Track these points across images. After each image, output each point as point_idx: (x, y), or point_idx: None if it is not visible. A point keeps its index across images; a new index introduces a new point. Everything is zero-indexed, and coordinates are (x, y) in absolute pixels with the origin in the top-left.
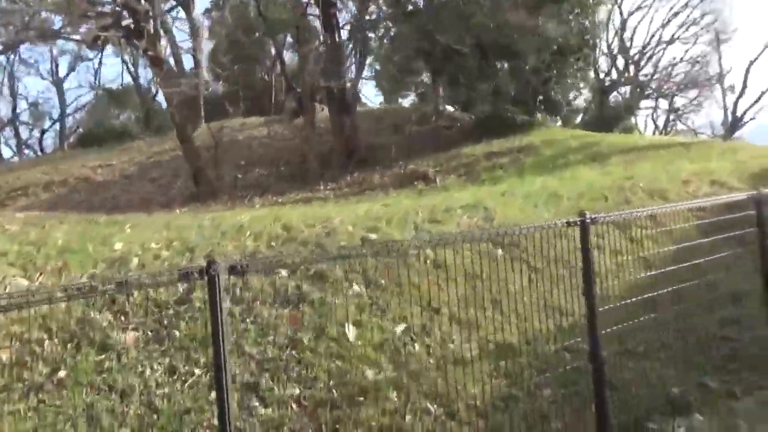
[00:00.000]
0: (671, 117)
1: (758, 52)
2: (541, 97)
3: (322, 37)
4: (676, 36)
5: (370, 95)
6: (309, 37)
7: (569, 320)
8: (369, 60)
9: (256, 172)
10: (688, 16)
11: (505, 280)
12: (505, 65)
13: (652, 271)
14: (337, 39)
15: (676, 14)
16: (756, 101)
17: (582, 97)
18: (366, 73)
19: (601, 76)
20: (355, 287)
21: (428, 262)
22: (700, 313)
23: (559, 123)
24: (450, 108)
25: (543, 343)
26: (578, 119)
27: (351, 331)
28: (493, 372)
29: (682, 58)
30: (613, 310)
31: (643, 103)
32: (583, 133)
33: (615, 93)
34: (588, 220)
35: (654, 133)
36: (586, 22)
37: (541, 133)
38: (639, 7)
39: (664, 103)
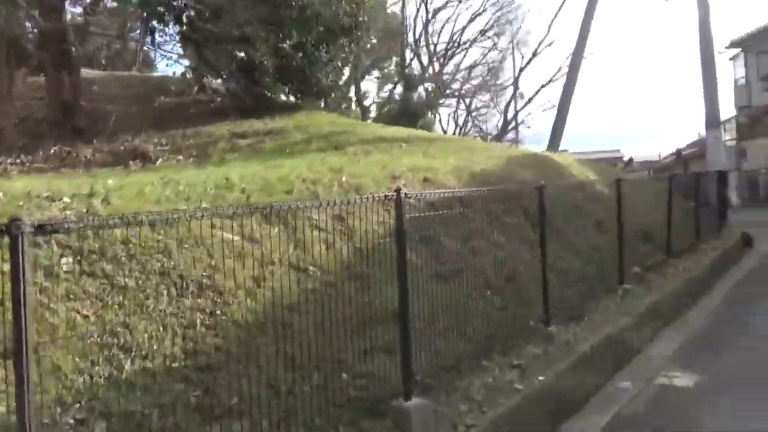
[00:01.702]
0: (467, 118)
1: (528, 59)
2: (309, 79)
3: None
4: (475, 40)
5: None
6: None
7: None
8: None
9: None
10: (487, 22)
11: None
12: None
13: None
14: None
15: (472, 20)
16: (523, 106)
17: (385, 90)
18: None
19: (407, 70)
20: None
21: None
22: None
23: (349, 108)
24: (218, 82)
25: None
26: (382, 111)
27: None
28: None
29: (478, 62)
30: None
31: (449, 102)
32: (345, 120)
33: (422, 89)
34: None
35: (455, 132)
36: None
37: (302, 117)
38: (445, 6)
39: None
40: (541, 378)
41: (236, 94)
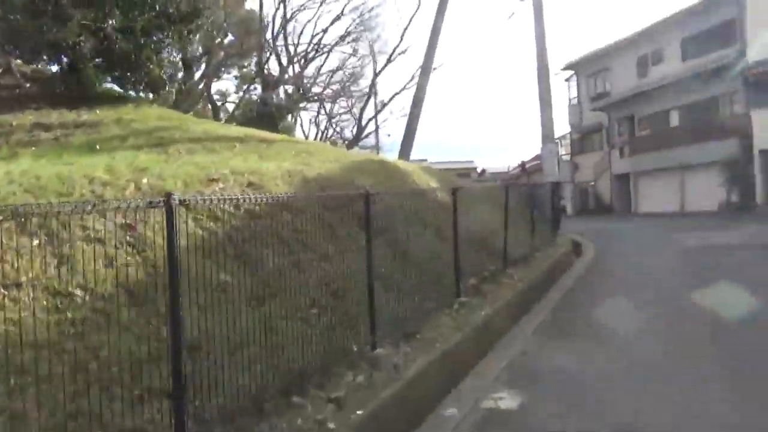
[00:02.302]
0: (328, 123)
1: (382, 65)
2: (139, 68)
3: None
4: (336, 44)
5: None
6: None
7: None
8: None
9: None
10: (347, 28)
11: None
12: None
13: None
14: None
15: (332, 23)
16: (378, 112)
17: (237, 91)
18: None
19: (266, 70)
20: None
21: None
22: None
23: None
24: (32, 66)
25: None
26: (237, 112)
27: None
28: None
29: (338, 67)
30: None
31: (310, 106)
32: (178, 116)
33: (281, 91)
34: None
35: (316, 137)
36: None
37: (128, 110)
38: (303, 8)
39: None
40: (359, 413)
41: (50, 80)
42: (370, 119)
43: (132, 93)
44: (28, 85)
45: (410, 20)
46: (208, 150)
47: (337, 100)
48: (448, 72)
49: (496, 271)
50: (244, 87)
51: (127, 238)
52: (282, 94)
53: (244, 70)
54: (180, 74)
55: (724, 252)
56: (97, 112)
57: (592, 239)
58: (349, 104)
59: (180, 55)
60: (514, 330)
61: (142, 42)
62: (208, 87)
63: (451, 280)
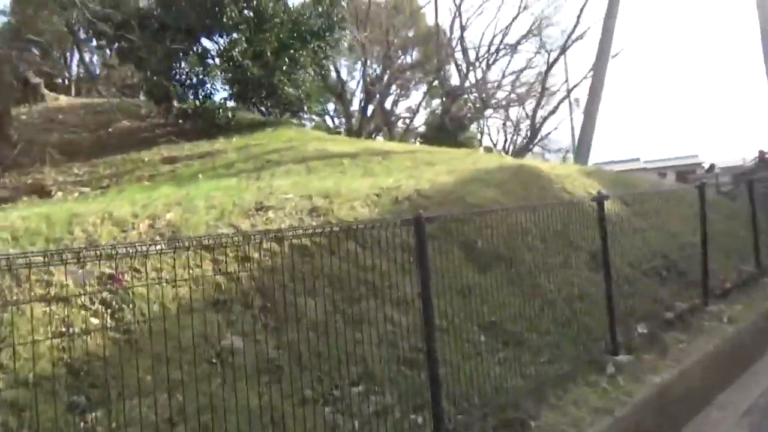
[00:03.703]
0: (514, 129)
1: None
2: (275, 92)
3: None
4: (516, 43)
5: None
6: None
7: None
8: None
9: None
10: (531, 26)
11: None
12: (204, 43)
13: None
14: None
15: (512, 22)
16: (552, 112)
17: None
18: None
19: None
20: None
21: None
22: None
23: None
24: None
25: None
26: (410, 126)
27: None
28: None
29: (523, 68)
30: None
31: (493, 114)
32: (310, 136)
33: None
34: None
35: (504, 146)
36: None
37: (264, 135)
38: (483, 10)
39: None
40: None
41: (179, 112)
42: (544, 119)
43: (267, 116)
44: (181, 122)
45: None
46: (308, 170)
47: (525, 104)
48: (659, 59)
49: (690, 308)
50: (432, 102)
51: (105, 294)
52: (467, 104)
53: (433, 84)
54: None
55: None
56: (221, 140)
57: None
58: (537, 106)
59: (316, 71)
60: (711, 413)
61: (273, 65)
62: (382, 106)
63: (603, 327)
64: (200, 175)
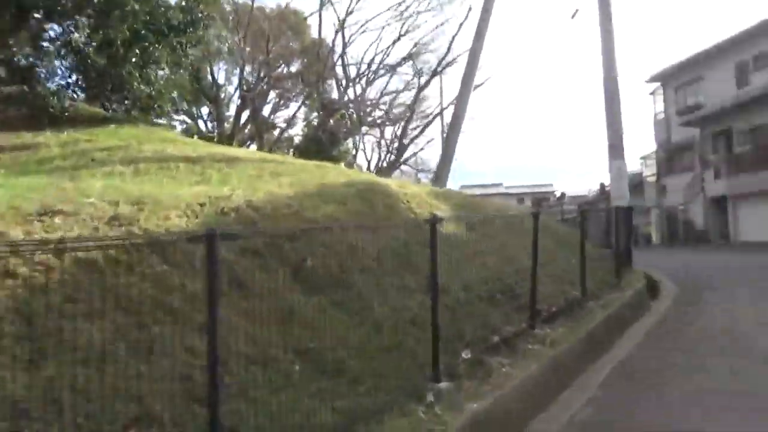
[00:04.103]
0: (387, 148)
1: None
2: (122, 86)
3: None
4: (396, 64)
5: None
6: None
7: None
8: None
9: None
10: (410, 49)
11: None
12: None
13: None
14: None
15: (394, 43)
16: (419, 134)
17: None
18: None
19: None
20: None
21: None
22: None
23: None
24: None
25: None
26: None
27: None
28: None
29: (401, 90)
30: None
31: (371, 131)
32: (165, 135)
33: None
34: None
35: (378, 163)
36: None
37: (103, 131)
38: (366, 29)
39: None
40: None
41: (10, 98)
42: (412, 140)
43: (118, 114)
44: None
45: (459, 27)
46: (135, 173)
47: (399, 124)
48: (525, 91)
49: (517, 332)
50: (311, 114)
51: None
52: (344, 119)
53: (313, 96)
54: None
55: None
56: (48, 132)
57: (676, 278)
58: (406, 126)
59: (172, 70)
60: None
61: (123, 57)
62: (257, 113)
63: (427, 354)
64: (1, 170)
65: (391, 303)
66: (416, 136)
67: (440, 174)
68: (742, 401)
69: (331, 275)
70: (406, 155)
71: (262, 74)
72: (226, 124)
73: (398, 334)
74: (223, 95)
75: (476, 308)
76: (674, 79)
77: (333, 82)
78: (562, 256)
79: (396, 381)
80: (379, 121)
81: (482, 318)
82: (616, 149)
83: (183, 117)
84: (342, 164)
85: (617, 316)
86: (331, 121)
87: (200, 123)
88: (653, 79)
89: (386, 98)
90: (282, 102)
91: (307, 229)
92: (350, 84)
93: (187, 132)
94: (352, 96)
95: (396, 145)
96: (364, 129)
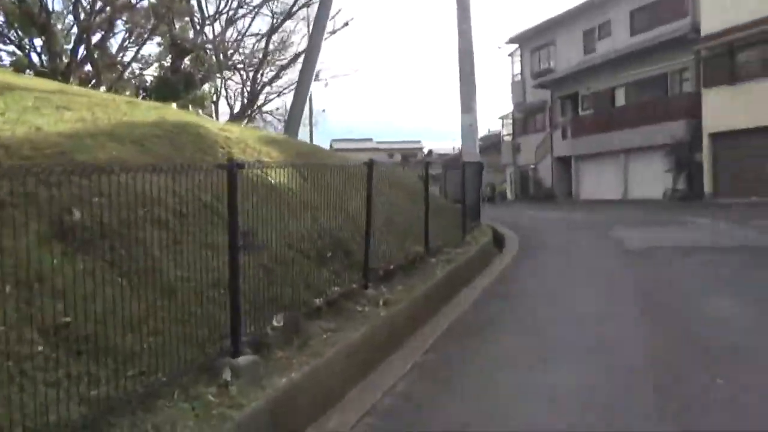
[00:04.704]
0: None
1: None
2: None
3: None
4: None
5: None
6: None
7: None
8: None
9: None
10: None
11: None
12: None
13: None
14: None
15: None
16: (272, 79)
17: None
18: None
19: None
20: None
21: None
22: None
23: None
24: None
25: None
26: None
27: None
28: None
29: (266, 33)
30: None
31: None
32: None
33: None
34: None
35: (242, 111)
36: None
37: None
38: None
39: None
40: None
41: None
42: (264, 85)
43: None
44: None
45: None
46: None
47: (262, 70)
48: (394, 49)
49: (346, 292)
50: (166, 55)
51: None
52: (203, 63)
53: (169, 35)
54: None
55: (679, 260)
56: None
57: (520, 232)
58: (257, 71)
59: None
60: (331, 419)
61: None
62: (98, 48)
63: (216, 324)
64: None
65: (192, 264)
66: (270, 81)
67: (292, 119)
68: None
69: (109, 231)
70: (270, 104)
71: (104, 2)
72: (63, 59)
73: (196, 301)
74: (61, 26)
75: (302, 267)
76: (531, 42)
77: (188, 19)
78: (414, 213)
79: (185, 358)
80: (240, 66)
81: (307, 278)
82: (467, 106)
83: (12, 48)
84: (173, 105)
85: (461, 269)
86: (186, 61)
87: (34, 58)
88: (512, 41)
89: (250, 41)
90: (132, 38)
91: (67, 170)
92: (207, 22)
93: (16, 65)
94: (210, 36)
95: (251, 90)
96: (226, 74)
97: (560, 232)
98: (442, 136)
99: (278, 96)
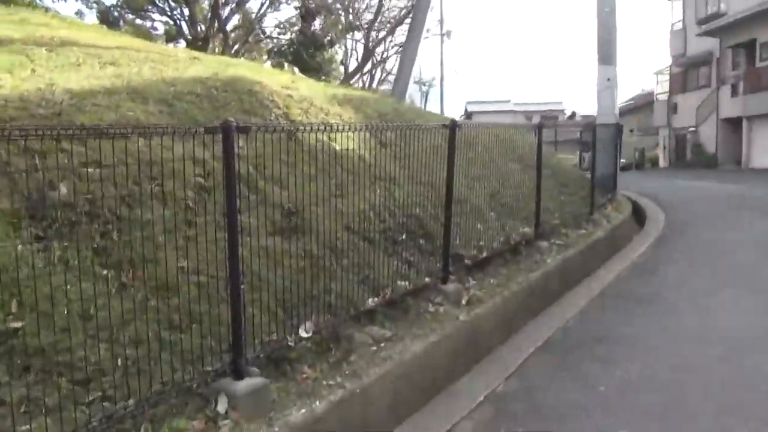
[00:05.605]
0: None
1: None
2: None
3: None
4: None
5: None
6: None
7: None
8: None
9: None
10: None
11: None
12: None
13: None
14: None
15: None
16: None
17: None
18: None
19: None
20: None
21: None
22: None
23: None
24: None
25: None
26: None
27: None
28: None
29: None
30: None
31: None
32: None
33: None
34: None
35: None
36: None
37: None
38: None
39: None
40: None
41: None
42: (375, 45)
43: None
44: None
45: None
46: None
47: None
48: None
49: (416, 289)
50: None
51: None
52: (333, 25)
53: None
54: None
55: None
56: None
57: (668, 209)
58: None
59: None
60: None
61: None
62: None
63: (226, 332)
64: None
65: (203, 253)
66: (382, 39)
67: (400, 79)
68: None
69: (102, 211)
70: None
71: None
72: (202, 27)
73: (201, 300)
74: None
75: (361, 255)
76: None
77: None
78: (527, 186)
79: (171, 378)
80: (366, 26)
81: (365, 269)
82: (606, 55)
83: (166, 18)
84: (268, 63)
85: (575, 261)
86: (316, 24)
87: (184, 27)
88: None
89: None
90: (271, 4)
91: (43, 132)
92: None
93: (168, 33)
94: None
95: (365, 47)
96: (357, 35)
97: (720, 211)
98: (587, 96)
99: (396, 54)
